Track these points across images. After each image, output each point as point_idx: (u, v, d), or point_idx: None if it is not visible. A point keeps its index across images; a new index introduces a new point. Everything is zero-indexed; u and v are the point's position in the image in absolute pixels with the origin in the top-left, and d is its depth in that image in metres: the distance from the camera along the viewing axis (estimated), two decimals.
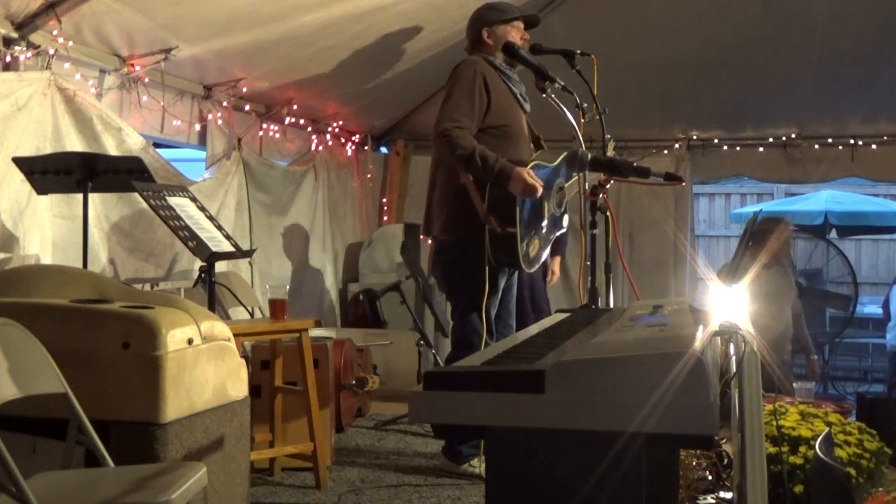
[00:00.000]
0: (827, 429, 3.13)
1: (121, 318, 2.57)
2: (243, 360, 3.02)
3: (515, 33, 3.85)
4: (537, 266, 3.84)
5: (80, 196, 3.60)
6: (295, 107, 5.67)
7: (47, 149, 3.69)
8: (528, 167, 3.56)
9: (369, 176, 7.07)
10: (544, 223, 3.72)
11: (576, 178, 3.65)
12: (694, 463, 3.18)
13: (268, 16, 4.28)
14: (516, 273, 3.95)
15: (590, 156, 2.99)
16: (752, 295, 2.12)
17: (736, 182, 11.28)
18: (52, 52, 3.66)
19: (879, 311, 9.77)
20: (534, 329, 2.24)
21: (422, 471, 4.11)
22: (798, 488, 3.07)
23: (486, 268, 3.57)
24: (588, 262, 3.06)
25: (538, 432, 1.41)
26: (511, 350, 1.77)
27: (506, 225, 3.53)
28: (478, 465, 3.89)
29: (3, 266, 3.47)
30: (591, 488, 1.38)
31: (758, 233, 5.13)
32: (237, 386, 2.92)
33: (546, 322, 2.41)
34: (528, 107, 3.90)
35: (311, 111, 6.00)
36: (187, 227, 3.42)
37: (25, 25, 3.55)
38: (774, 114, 6.42)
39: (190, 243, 3.40)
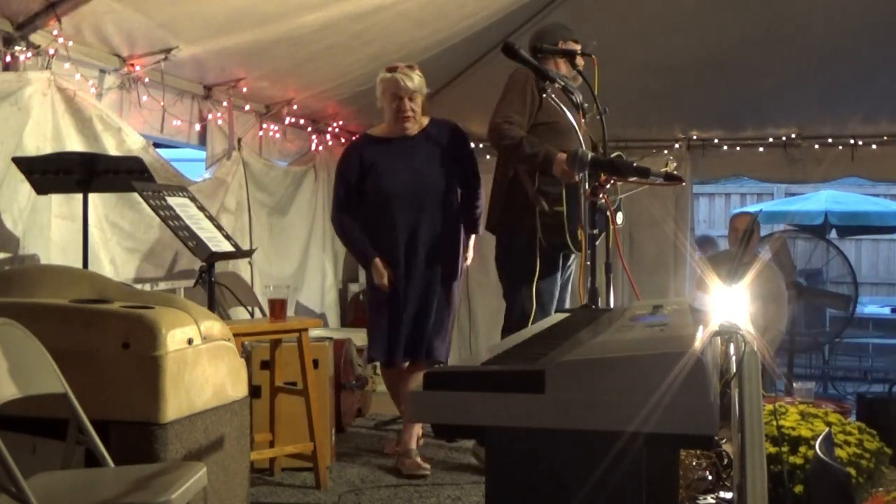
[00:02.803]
0: (827, 429, 3.13)
1: (121, 318, 2.57)
2: (243, 360, 3.02)
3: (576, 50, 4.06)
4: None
5: (80, 196, 3.59)
6: (295, 107, 5.67)
7: (47, 149, 3.69)
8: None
9: None
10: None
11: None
12: (694, 463, 3.18)
13: (268, 16, 4.28)
14: (572, 269, 4.19)
15: (590, 156, 2.99)
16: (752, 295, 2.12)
17: (736, 182, 11.28)
18: (52, 52, 3.66)
19: (879, 311, 9.80)
20: (534, 329, 2.24)
21: None
22: (798, 488, 3.07)
23: (537, 250, 3.91)
24: (588, 262, 3.06)
25: (538, 432, 1.40)
26: (511, 350, 1.77)
27: (553, 205, 3.85)
28: None
29: (3, 266, 3.47)
30: (591, 488, 1.38)
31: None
32: (237, 386, 2.92)
33: (546, 322, 2.41)
34: (578, 107, 3.95)
35: (311, 111, 6.00)
36: (187, 228, 3.42)
37: (25, 25, 3.55)
38: (774, 114, 6.42)
39: (190, 243, 3.39)
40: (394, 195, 4.11)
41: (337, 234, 4.40)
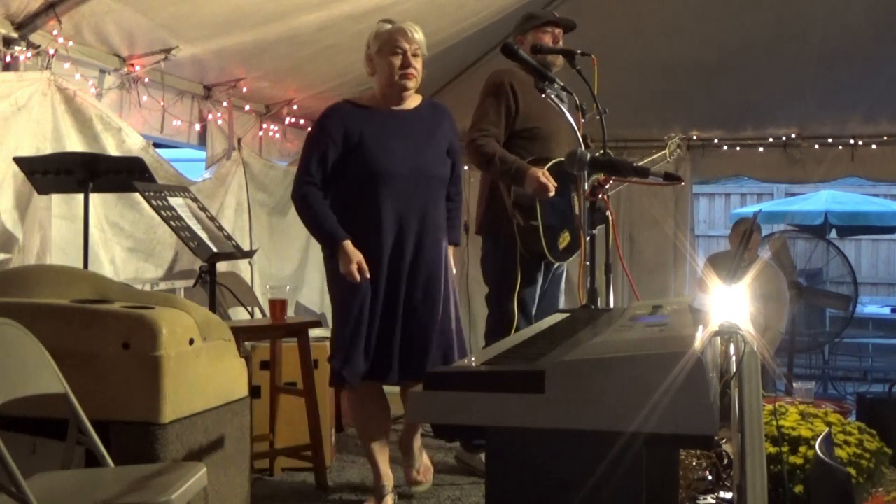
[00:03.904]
0: (827, 429, 3.13)
1: (121, 319, 2.57)
2: (243, 360, 3.02)
3: (549, 39, 3.99)
4: (572, 257, 3.98)
5: (80, 196, 3.60)
6: (295, 107, 5.67)
7: (47, 149, 3.70)
8: (547, 166, 3.77)
9: None
10: (574, 216, 3.80)
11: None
12: (694, 463, 3.18)
13: (268, 16, 4.28)
14: (561, 269, 4.14)
15: (589, 156, 2.99)
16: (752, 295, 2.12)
17: (736, 182, 11.28)
18: (52, 52, 3.66)
19: (879, 311, 9.81)
20: (534, 329, 2.24)
21: None
22: (798, 488, 3.07)
23: (518, 259, 3.84)
24: (587, 263, 3.06)
25: (538, 432, 1.41)
26: (511, 350, 1.77)
27: (529, 219, 3.80)
28: None
29: (3, 266, 3.47)
30: (591, 488, 1.38)
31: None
32: (237, 386, 2.92)
33: (546, 322, 2.41)
34: (566, 107, 3.90)
35: (311, 111, 6.00)
36: (188, 228, 3.42)
37: (25, 25, 3.55)
38: (774, 114, 6.42)
39: (191, 244, 3.40)
40: (383, 177, 3.31)
41: (299, 211, 3.50)
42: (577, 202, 3.82)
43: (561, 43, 4.00)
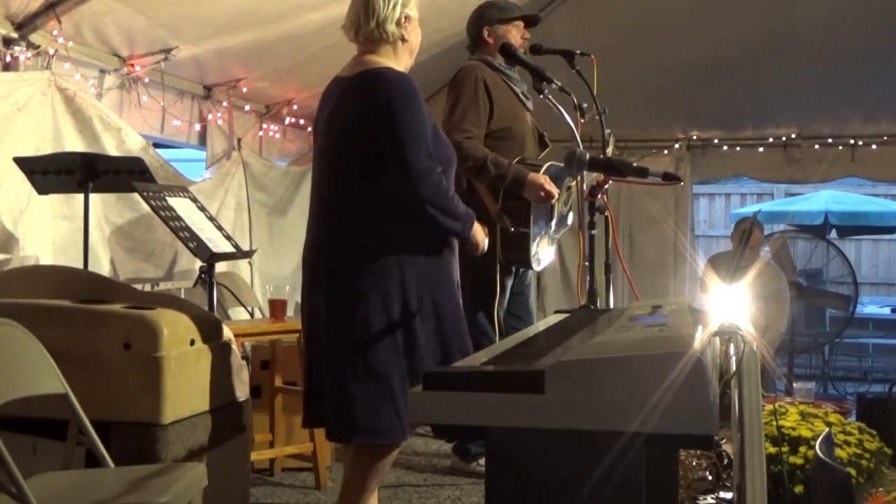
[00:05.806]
0: (827, 429, 3.13)
1: (122, 319, 2.57)
2: (243, 361, 3.02)
3: (516, 32, 3.86)
4: (545, 265, 3.88)
5: (79, 196, 3.60)
6: (295, 107, 5.67)
7: (47, 149, 3.70)
8: (543, 170, 3.59)
9: None
10: (553, 222, 3.76)
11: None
12: (694, 463, 3.18)
13: (268, 16, 4.28)
14: (528, 273, 4.01)
15: (588, 156, 2.98)
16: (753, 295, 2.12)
17: (736, 182, 11.27)
18: (52, 52, 3.67)
19: (879, 311, 9.81)
20: (533, 329, 2.24)
21: (421, 471, 4.12)
22: (798, 488, 3.07)
23: (498, 268, 3.62)
24: (587, 263, 3.05)
25: (538, 432, 1.41)
26: (511, 350, 1.77)
27: (519, 224, 3.58)
28: None
29: (3, 266, 3.48)
30: (591, 488, 1.39)
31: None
32: (238, 386, 2.92)
33: (546, 322, 2.41)
34: (531, 105, 3.89)
35: (311, 111, 5.98)
36: (188, 228, 3.42)
37: (25, 25, 3.56)
38: (774, 114, 6.42)
39: (190, 244, 3.39)
40: None
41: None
42: (558, 207, 3.77)
43: (527, 36, 3.89)
